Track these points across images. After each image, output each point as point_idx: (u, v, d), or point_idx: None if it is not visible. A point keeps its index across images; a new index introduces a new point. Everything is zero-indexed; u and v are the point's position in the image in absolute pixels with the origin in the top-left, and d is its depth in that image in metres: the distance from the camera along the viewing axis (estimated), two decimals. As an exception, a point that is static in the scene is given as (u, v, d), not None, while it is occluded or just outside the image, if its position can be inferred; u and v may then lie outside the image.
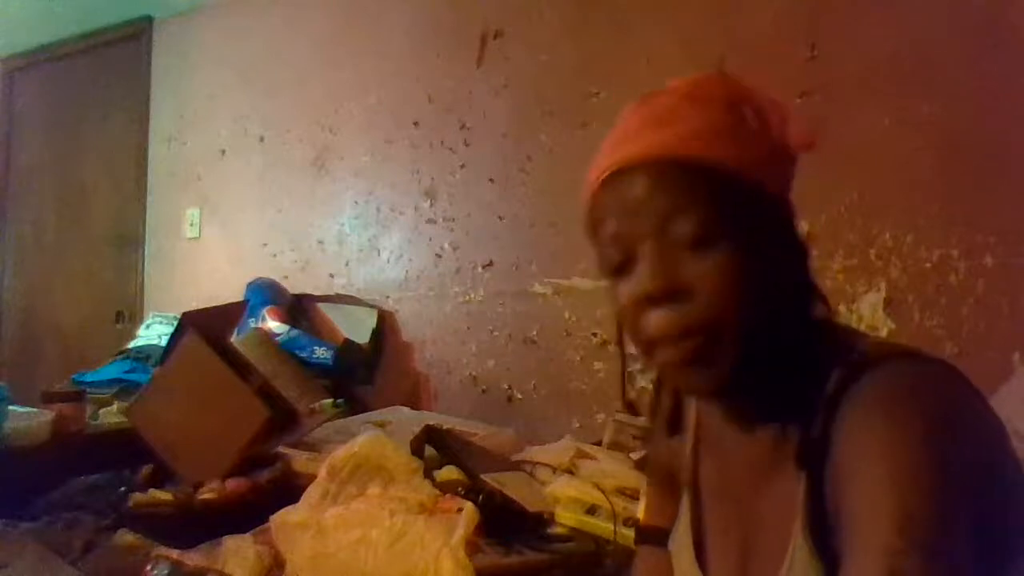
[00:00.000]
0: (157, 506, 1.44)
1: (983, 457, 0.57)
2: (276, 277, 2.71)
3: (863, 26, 1.77)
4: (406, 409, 2.14)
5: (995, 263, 1.60)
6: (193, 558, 1.20)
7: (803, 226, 0.68)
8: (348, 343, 2.43)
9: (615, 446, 1.75)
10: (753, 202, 0.64)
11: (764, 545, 0.66)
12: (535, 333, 2.25)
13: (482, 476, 1.43)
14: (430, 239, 2.49)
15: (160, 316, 2.85)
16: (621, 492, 1.43)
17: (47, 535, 1.39)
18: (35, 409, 1.74)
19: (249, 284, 2.63)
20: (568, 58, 2.23)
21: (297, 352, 2.32)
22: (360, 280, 2.66)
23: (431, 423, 1.78)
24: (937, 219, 1.67)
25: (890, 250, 1.73)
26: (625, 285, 0.65)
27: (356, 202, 2.68)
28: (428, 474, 1.39)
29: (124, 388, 2.25)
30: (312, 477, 1.32)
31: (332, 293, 2.68)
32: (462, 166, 2.43)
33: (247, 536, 1.25)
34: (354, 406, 2.18)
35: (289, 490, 1.39)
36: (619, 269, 0.66)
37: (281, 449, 1.66)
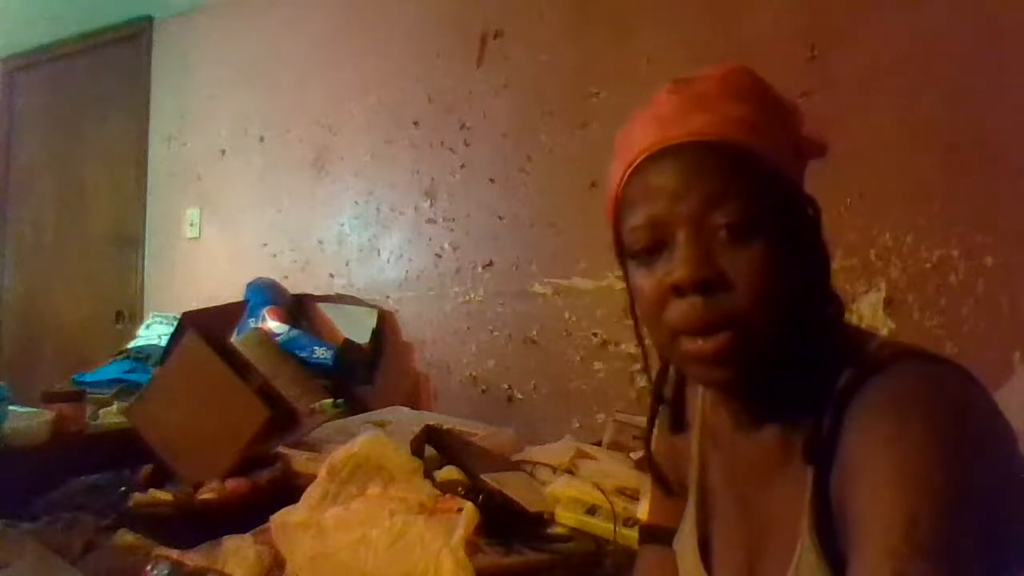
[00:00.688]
0: (157, 506, 1.44)
1: (992, 461, 0.56)
2: (276, 277, 2.71)
3: (863, 26, 1.77)
4: (406, 409, 2.14)
5: (995, 263, 1.60)
6: (193, 558, 1.20)
7: (823, 228, 0.66)
8: (348, 343, 2.43)
9: (615, 446, 1.75)
10: (791, 197, 0.63)
11: (771, 545, 0.65)
12: (535, 333, 2.25)
13: (482, 476, 1.42)
14: (430, 239, 2.49)
15: (160, 316, 2.85)
16: (621, 492, 1.43)
17: (47, 535, 1.39)
18: (35, 409, 1.73)
19: (249, 284, 2.62)
20: (568, 58, 2.23)
21: (297, 352, 2.32)
22: (360, 280, 2.66)
23: (431, 423, 1.78)
24: (937, 219, 1.67)
25: (890, 250, 1.73)
26: (650, 272, 0.64)
27: (356, 202, 2.68)
28: (428, 474, 1.39)
29: (124, 388, 2.25)
30: (312, 477, 1.32)
31: (332, 293, 2.68)
32: (462, 166, 2.43)
33: (247, 536, 1.25)
34: (354, 406, 2.18)
35: (289, 490, 1.39)
36: (643, 255, 0.64)
37: (281, 449, 1.65)
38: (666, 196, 0.62)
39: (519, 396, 2.26)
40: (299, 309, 2.61)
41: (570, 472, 1.56)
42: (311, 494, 1.26)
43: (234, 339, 2.15)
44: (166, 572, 1.17)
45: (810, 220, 0.65)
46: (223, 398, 1.56)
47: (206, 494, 1.46)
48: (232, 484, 1.47)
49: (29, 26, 3.51)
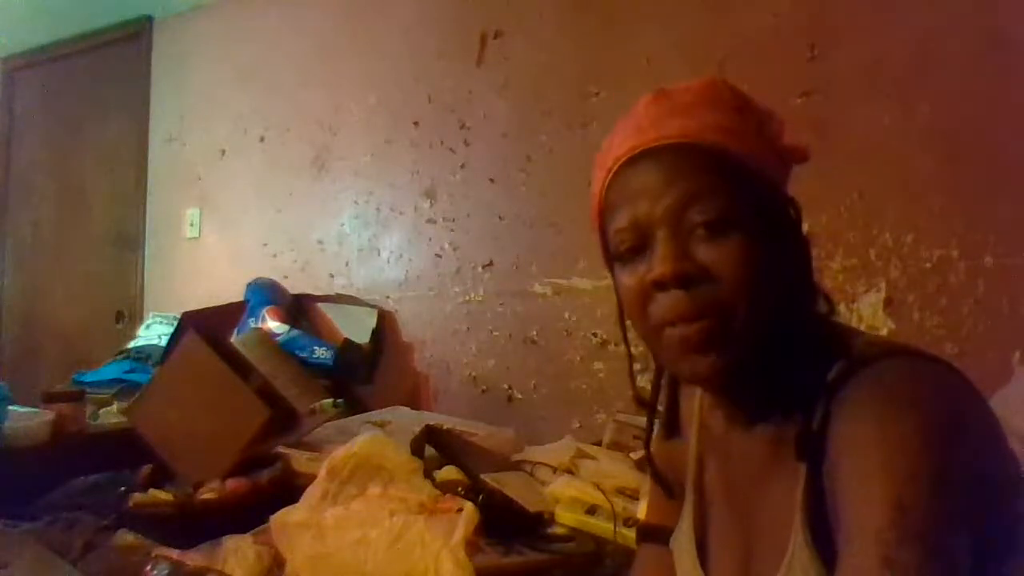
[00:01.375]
0: (157, 506, 1.44)
1: (977, 452, 0.57)
2: (276, 277, 2.71)
3: (863, 26, 1.77)
4: (406, 409, 2.14)
5: (995, 263, 1.60)
6: (193, 558, 1.20)
7: (804, 226, 0.69)
8: (348, 343, 2.43)
9: (615, 446, 1.75)
10: (767, 196, 0.65)
11: (766, 543, 0.66)
12: (535, 333, 2.25)
13: (482, 476, 1.43)
14: (430, 239, 2.49)
15: (160, 316, 2.85)
16: (621, 492, 1.43)
17: (47, 535, 1.39)
18: (35, 409, 1.73)
19: (249, 284, 2.62)
20: (568, 58, 2.23)
21: (297, 352, 2.32)
22: (360, 280, 2.66)
23: (431, 423, 1.78)
24: (937, 219, 1.67)
25: (890, 250, 1.73)
26: (634, 271, 0.66)
27: (356, 202, 2.68)
28: (428, 474, 1.39)
29: (124, 388, 2.25)
30: (312, 477, 1.32)
31: (332, 293, 2.68)
32: (462, 166, 2.43)
33: (247, 536, 1.25)
34: (354, 406, 2.18)
35: (289, 490, 1.39)
36: (627, 256, 0.66)
37: (281, 449, 1.65)
38: (646, 197, 0.65)
39: (519, 396, 2.26)
40: (299, 309, 2.61)
41: (570, 472, 1.56)
42: (311, 494, 1.26)
43: (234, 339, 2.15)
44: (166, 572, 1.17)
45: (791, 221, 0.67)
46: (223, 398, 1.56)
47: (206, 494, 1.46)
48: (232, 484, 1.47)
49: (29, 26, 3.51)
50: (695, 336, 0.62)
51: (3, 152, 3.85)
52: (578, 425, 2.10)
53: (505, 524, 1.30)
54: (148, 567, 1.19)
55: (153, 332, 2.72)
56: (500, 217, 2.34)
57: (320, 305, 2.62)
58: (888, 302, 1.72)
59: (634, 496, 1.41)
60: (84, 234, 3.56)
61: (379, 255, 2.62)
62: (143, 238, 3.32)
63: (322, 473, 1.29)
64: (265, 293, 2.56)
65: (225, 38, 3.14)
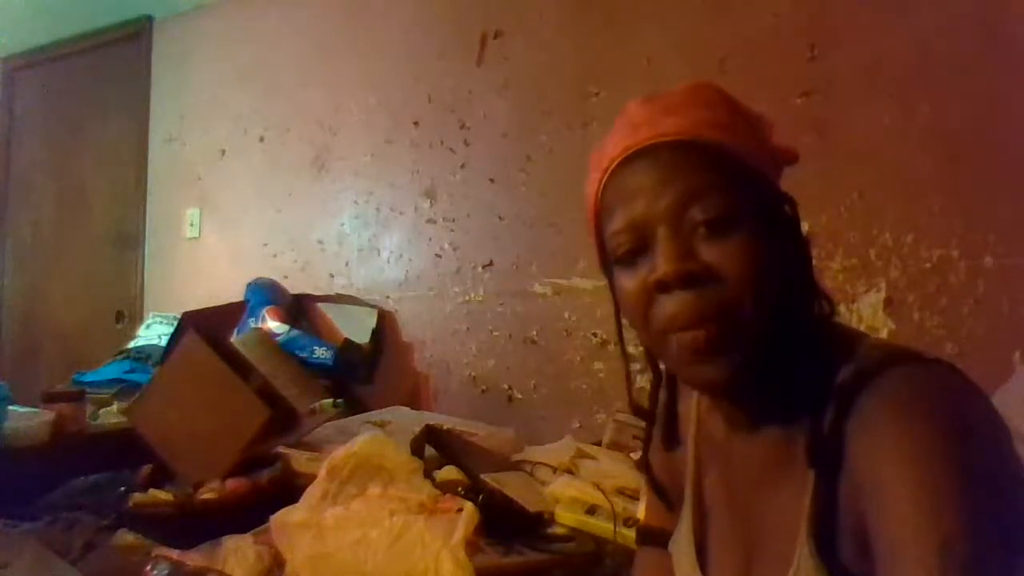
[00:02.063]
0: (157, 506, 1.44)
1: (1001, 461, 0.56)
2: (276, 277, 2.71)
3: (863, 26, 1.77)
4: (406, 409, 2.14)
5: (995, 263, 1.60)
6: (193, 558, 1.20)
7: (803, 226, 0.68)
8: (348, 343, 2.43)
9: (615, 446, 1.75)
10: (765, 194, 0.64)
11: (768, 548, 0.65)
12: (535, 333, 2.25)
13: (482, 476, 1.43)
14: (430, 239, 2.49)
15: (160, 316, 2.85)
16: (621, 492, 1.43)
17: (47, 535, 1.39)
18: (35, 409, 1.74)
19: (249, 284, 2.62)
20: (568, 58, 2.23)
21: (297, 352, 2.32)
22: (360, 280, 2.66)
23: (431, 423, 1.78)
24: (937, 219, 1.67)
25: (890, 250, 1.73)
26: (634, 274, 0.64)
27: (356, 202, 2.68)
28: (428, 474, 1.39)
29: (124, 388, 2.25)
30: (312, 477, 1.32)
31: (332, 293, 2.68)
32: (462, 166, 2.43)
33: (247, 536, 1.25)
34: (354, 406, 2.18)
35: (289, 490, 1.39)
36: (627, 259, 0.64)
37: (281, 449, 1.65)
38: (643, 196, 0.63)
39: (519, 396, 2.26)
40: (299, 309, 2.61)
41: (570, 472, 1.56)
42: (311, 494, 1.26)
43: (234, 339, 2.15)
44: (166, 572, 1.17)
45: (788, 218, 0.66)
46: (223, 398, 1.56)
47: (206, 494, 1.46)
48: (232, 484, 1.47)
49: (29, 26, 3.51)
50: (703, 342, 0.60)
51: (3, 152, 3.85)
52: (578, 425, 2.10)
53: (505, 524, 1.30)
54: (148, 567, 1.18)
55: (153, 332, 2.72)
56: (500, 217, 2.34)
57: (320, 305, 2.62)
58: (888, 302, 1.72)
59: (634, 496, 1.41)
60: (84, 234, 3.55)
61: (379, 255, 2.62)
62: (143, 238, 3.32)
63: (322, 473, 1.29)
64: (265, 293, 2.56)
65: (225, 38, 3.14)
